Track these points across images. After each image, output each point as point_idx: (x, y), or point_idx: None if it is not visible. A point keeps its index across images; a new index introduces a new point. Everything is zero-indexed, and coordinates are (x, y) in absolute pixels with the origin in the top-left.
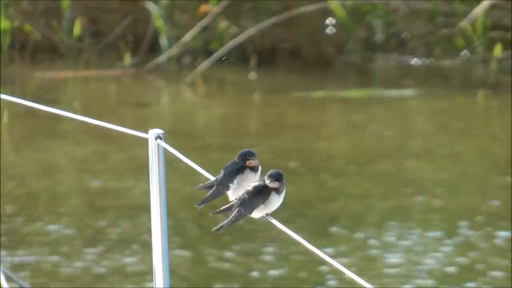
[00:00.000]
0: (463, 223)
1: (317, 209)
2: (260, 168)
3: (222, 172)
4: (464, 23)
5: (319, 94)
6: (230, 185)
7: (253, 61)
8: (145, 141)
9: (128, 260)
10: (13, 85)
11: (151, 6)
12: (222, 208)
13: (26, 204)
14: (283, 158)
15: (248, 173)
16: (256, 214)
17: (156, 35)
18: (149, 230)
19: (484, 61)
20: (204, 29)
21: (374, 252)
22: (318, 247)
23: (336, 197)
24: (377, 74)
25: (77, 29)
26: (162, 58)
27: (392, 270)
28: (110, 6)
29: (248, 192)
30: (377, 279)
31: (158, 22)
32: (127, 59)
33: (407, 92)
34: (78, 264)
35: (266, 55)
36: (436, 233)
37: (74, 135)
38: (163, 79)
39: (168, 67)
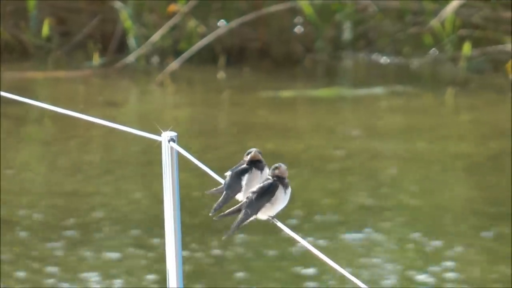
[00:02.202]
0: (433, 222)
1: (286, 208)
2: (266, 168)
3: (228, 175)
4: (434, 22)
5: (288, 93)
6: (238, 187)
7: (221, 60)
8: (120, 140)
9: (137, 260)
10: None
11: (119, 6)
12: (229, 210)
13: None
14: None
15: (254, 172)
16: (263, 214)
17: (124, 35)
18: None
19: (453, 60)
20: (173, 28)
21: (348, 251)
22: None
23: (305, 196)
24: (346, 73)
25: (45, 30)
26: (130, 58)
27: (364, 270)
28: (78, 6)
29: (254, 193)
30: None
31: (126, 22)
32: (96, 59)
33: (376, 91)
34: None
35: (234, 54)
36: (406, 232)
37: (45, 136)
38: (132, 79)
39: (137, 67)
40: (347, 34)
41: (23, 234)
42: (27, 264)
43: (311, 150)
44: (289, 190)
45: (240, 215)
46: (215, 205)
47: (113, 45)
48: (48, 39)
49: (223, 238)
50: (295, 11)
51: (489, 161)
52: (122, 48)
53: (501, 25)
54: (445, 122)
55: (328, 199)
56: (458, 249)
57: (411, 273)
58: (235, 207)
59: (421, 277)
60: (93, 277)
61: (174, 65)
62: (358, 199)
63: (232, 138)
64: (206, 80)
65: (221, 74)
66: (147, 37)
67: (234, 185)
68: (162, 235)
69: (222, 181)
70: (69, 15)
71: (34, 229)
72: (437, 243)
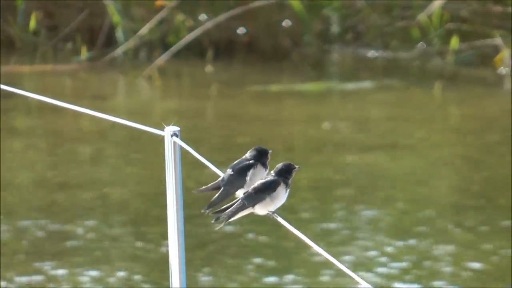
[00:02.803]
0: (420, 214)
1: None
2: (268, 166)
3: (229, 171)
4: (422, 16)
5: (276, 87)
6: (240, 183)
7: (209, 54)
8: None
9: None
10: None
11: (107, 0)
12: (223, 207)
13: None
14: (239, 151)
15: (259, 168)
16: (261, 210)
17: (112, 28)
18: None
19: (441, 53)
20: (161, 22)
21: (334, 240)
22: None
23: (294, 190)
24: (333, 67)
25: (33, 24)
26: (118, 52)
27: (347, 258)
28: (66, 1)
29: (254, 188)
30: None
31: (114, 15)
32: (83, 53)
33: (364, 85)
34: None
35: (222, 48)
36: (392, 223)
37: (32, 128)
38: (120, 73)
39: (125, 61)
40: (335, 28)
41: (20, 223)
42: (20, 257)
43: (299, 143)
44: (289, 189)
45: (235, 205)
46: (210, 201)
47: (101, 39)
48: (36, 33)
49: (216, 228)
50: (283, 5)
51: (477, 154)
52: (110, 42)
53: (489, 19)
54: (433, 115)
55: (315, 191)
56: (446, 241)
57: (397, 263)
58: (231, 203)
59: (408, 267)
60: (89, 269)
61: (162, 59)
62: (345, 191)
63: (220, 131)
64: (194, 74)
65: (209, 68)
66: (135, 31)
67: (236, 181)
68: (152, 229)
69: (222, 175)
70: (56, 9)
71: (25, 222)
72: (424, 234)
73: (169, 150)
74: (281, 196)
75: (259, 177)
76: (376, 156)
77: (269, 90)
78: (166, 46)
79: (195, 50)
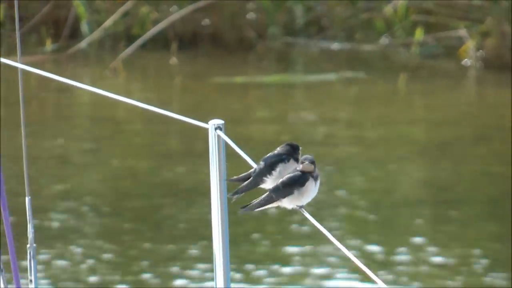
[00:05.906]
0: (382, 205)
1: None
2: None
3: (261, 164)
4: (387, 8)
5: (240, 79)
6: (270, 175)
7: (174, 46)
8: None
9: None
10: None
11: None
12: (252, 201)
13: None
14: (204, 144)
15: (292, 163)
16: (289, 203)
17: (77, 20)
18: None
19: (405, 45)
20: (125, 14)
21: (294, 237)
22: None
23: None
24: (298, 59)
25: (1, 15)
26: (83, 44)
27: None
28: None
29: (282, 182)
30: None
31: (79, 7)
32: (48, 44)
33: (329, 77)
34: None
35: (187, 40)
36: (360, 213)
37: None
38: (85, 65)
39: (90, 53)
40: (299, 20)
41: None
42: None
43: (263, 135)
44: (318, 183)
45: (263, 196)
46: (237, 188)
47: (66, 31)
48: (1, 24)
49: (240, 213)
50: None
51: (441, 147)
52: (75, 34)
53: (454, 11)
54: (397, 107)
55: None
56: (407, 234)
57: (362, 256)
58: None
59: (371, 258)
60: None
61: (127, 52)
62: None
63: (184, 125)
64: (159, 66)
65: (173, 60)
66: (99, 23)
67: (266, 172)
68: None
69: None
70: (22, 1)
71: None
72: (385, 226)
73: (213, 143)
74: (310, 190)
75: (289, 171)
76: (341, 147)
77: (234, 82)
78: (130, 38)
79: (160, 42)
